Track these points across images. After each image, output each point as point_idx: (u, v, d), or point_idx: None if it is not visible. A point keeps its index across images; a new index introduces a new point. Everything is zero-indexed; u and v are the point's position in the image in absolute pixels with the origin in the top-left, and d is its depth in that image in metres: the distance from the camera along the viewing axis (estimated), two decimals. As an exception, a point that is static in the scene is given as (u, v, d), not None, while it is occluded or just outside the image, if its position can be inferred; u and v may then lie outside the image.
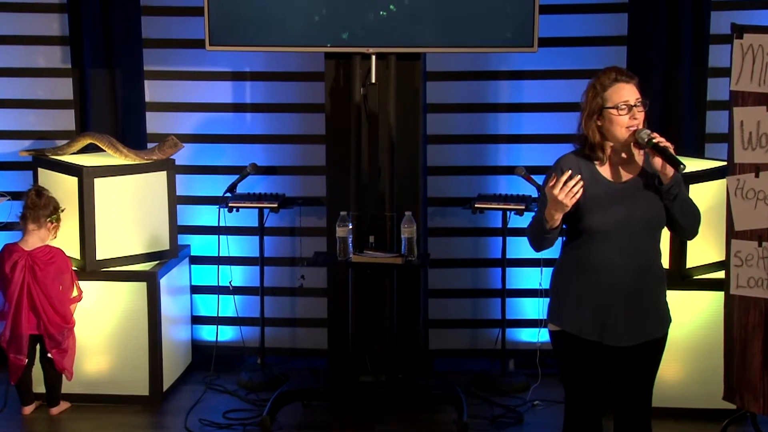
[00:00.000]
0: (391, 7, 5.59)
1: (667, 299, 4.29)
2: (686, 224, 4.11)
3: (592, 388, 4.22)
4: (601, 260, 4.09)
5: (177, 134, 6.09)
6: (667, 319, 4.25)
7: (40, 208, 5.64)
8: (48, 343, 5.62)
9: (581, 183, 3.98)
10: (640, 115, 4.06)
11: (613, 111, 4.03)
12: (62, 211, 5.72)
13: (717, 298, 5.41)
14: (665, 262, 5.43)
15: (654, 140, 3.99)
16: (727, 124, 5.21)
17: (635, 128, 4.04)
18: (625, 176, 4.12)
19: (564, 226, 4.17)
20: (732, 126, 5.13)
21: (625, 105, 4.03)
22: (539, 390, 6.02)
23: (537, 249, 4.22)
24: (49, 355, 5.65)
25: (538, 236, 4.14)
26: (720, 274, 5.44)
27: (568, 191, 3.95)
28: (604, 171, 4.12)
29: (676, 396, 5.59)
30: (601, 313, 4.12)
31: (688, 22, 6.00)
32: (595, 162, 4.14)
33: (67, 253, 5.73)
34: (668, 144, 3.99)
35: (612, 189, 4.10)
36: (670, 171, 4.00)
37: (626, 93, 4.03)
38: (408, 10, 5.60)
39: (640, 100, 4.04)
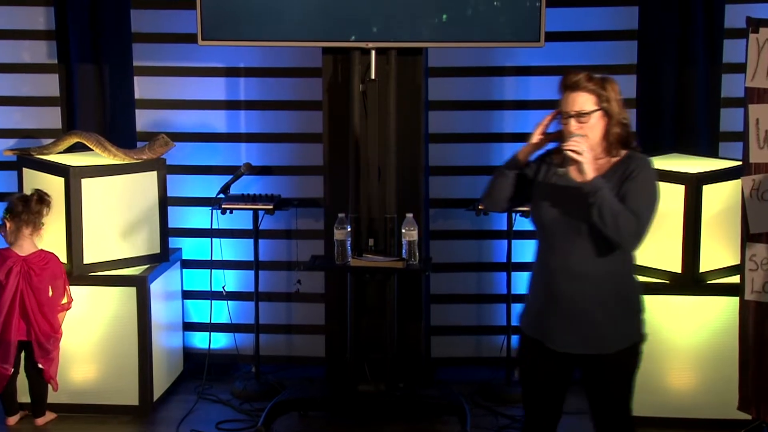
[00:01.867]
0: None
1: (639, 317, 4.28)
2: (609, 234, 4.07)
3: (543, 393, 4.33)
4: (546, 260, 4.22)
5: (168, 132, 6.10)
6: (625, 337, 4.22)
7: (42, 215, 5.66)
8: (37, 352, 5.62)
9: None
10: (589, 125, 4.13)
11: (562, 118, 4.21)
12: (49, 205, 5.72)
13: (731, 303, 5.42)
14: (675, 265, 5.47)
15: (564, 147, 4.10)
16: (742, 123, 5.22)
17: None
18: (588, 177, 4.14)
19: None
20: (747, 124, 5.14)
21: (565, 114, 4.16)
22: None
23: (485, 194, 4.37)
24: (39, 366, 5.65)
25: (495, 173, 4.33)
26: (735, 279, 5.44)
27: (545, 125, 4.24)
28: (573, 168, 4.18)
29: (688, 406, 5.60)
30: (543, 313, 4.24)
31: (701, 15, 6.00)
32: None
33: (53, 257, 5.75)
34: (575, 150, 4.05)
35: (566, 185, 4.18)
36: (586, 176, 4.06)
37: (568, 102, 4.16)
38: (409, 2, 5.60)
39: (577, 111, 4.13)
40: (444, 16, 5.60)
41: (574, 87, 4.15)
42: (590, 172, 4.05)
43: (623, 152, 4.20)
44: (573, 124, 4.13)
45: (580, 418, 5.05)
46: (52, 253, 5.68)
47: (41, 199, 5.69)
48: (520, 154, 4.28)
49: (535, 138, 4.26)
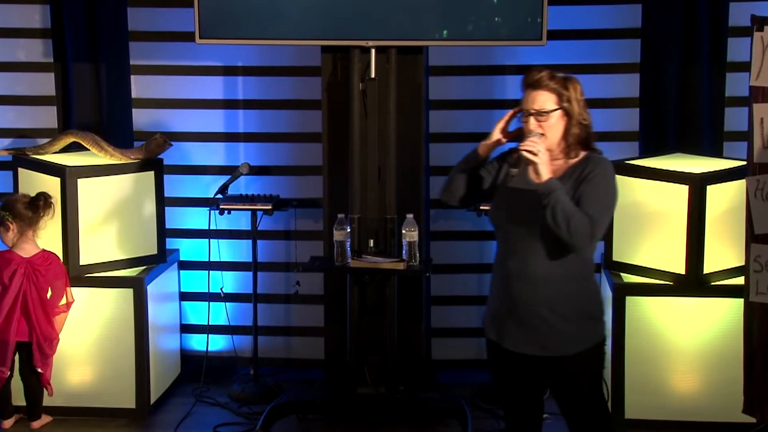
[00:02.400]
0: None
1: (599, 320, 4.27)
2: (561, 237, 4.05)
3: (515, 395, 4.35)
4: (503, 262, 4.23)
5: (165, 132, 6.10)
6: (583, 340, 4.21)
7: (46, 217, 5.65)
8: (36, 355, 5.61)
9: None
10: (549, 124, 4.14)
11: (522, 116, 4.22)
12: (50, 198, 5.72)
13: (736, 305, 5.41)
14: (679, 267, 5.47)
15: (520, 147, 4.11)
16: (746, 122, 5.21)
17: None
18: (543, 178, 4.13)
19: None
20: (752, 123, 5.14)
21: (525, 112, 4.18)
22: (549, 403, 6.00)
23: (444, 186, 4.38)
24: (39, 370, 5.64)
25: (457, 165, 4.35)
26: (739, 280, 5.44)
27: (506, 122, 4.28)
28: (532, 168, 4.17)
29: (692, 409, 5.60)
30: (500, 315, 4.26)
31: (705, 13, 6.00)
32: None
33: (49, 258, 5.74)
34: (531, 150, 4.05)
35: (520, 190, 4.19)
36: (541, 177, 4.06)
37: (529, 100, 4.18)
38: (409, 0, 5.60)
39: (536, 110, 4.14)
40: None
41: (535, 85, 4.16)
42: (545, 173, 4.05)
43: (582, 153, 4.20)
44: (532, 122, 4.14)
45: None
46: (54, 254, 5.68)
47: (47, 202, 5.66)
48: (480, 149, 4.31)
49: (495, 134, 4.29)
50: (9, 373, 5.64)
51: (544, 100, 4.14)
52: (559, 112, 4.14)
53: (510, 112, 4.28)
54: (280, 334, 6.56)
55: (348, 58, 5.74)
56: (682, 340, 5.56)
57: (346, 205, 5.77)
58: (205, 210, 6.23)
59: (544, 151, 4.07)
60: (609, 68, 6.23)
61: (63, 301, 5.69)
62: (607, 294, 5.79)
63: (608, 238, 5.77)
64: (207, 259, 6.26)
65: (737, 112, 6.06)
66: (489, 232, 6.32)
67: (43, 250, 5.65)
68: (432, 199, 6.25)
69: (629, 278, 5.67)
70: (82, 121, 6.29)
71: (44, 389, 5.71)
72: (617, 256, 5.75)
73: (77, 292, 5.78)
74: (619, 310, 5.56)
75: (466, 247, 6.41)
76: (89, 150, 6.01)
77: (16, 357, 5.69)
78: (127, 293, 5.82)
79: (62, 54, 6.31)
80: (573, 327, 4.17)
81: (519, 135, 4.22)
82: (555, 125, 4.15)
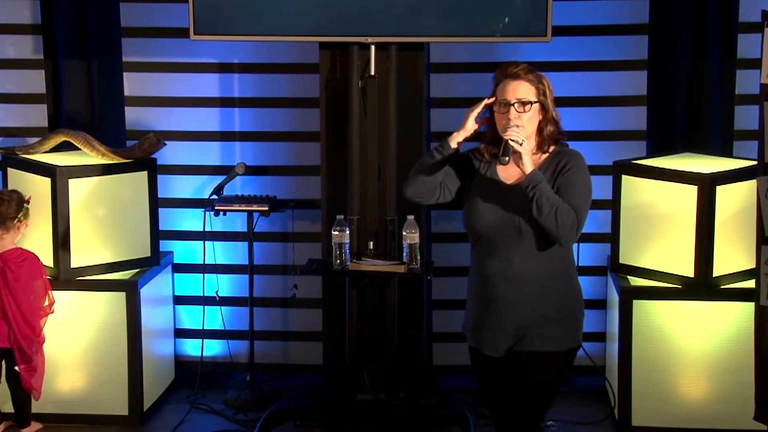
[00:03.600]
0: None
1: (578, 321, 4.31)
2: (547, 228, 4.11)
3: (500, 401, 4.34)
4: (483, 265, 4.25)
5: (158, 131, 6.09)
6: (559, 340, 4.23)
7: (8, 217, 5.59)
8: (17, 357, 5.60)
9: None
10: (527, 116, 4.18)
11: (496, 108, 4.24)
12: (28, 201, 5.65)
13: (746, 309, 5.41)
14: (688, 270, 5.47)
15: (505, 136, 4.13)
16: (757, 120, 5.21)
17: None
18: (518, 177, 4.20)
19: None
20: (763, 122, 5.13)
21: (504, 102, 4.19)
22: (554, 409, 6.01)
23: (408, 179, 4.36)
24: (16, 368, 5.62)
25: (423, 159, 4.34)
26: (750, 284, 5.44)
27: (478, 112, 4.26)
28: (502, 169, 4.23)
29: (701, 416, 5.60)
30: (481, 320, 4.28)
31: (714, 8, 6.00)
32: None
33: (39, 261, 5.73)
34: (516, 140, 4.09)
35: (498, 187, 4.23)
36: (525, 169, 4.11)
37: (509, 90, 4.21)
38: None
39: (519, 99, 4.18)
40: (446, 10, 5.60)
41: (515, 76, 4.22)
42: (529, 165, 4.11)
43: (552, 148, 4.27)
44: (512, 113, 4.18)
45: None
46: (31, 252, 5.63)
47: (20, 201, 5.60)
48: (452, 140, 4.29)
49: (470, 123, 4.28)
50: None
51: (526, 90, 4.21)
52: (537, 105, 4.22)
53: (484, 101, 4.28)
54: (277, 338, 6.56)
55: (347, 55, 5.74)
56: (691, 345, 5.56)
57: (345, 206, 5.77)
58: (199, 211, 6.23)
59: (527, 141, 4.13)
60: (616, 65, 6.23)
61: (45, 302, 5.67)
62: (614, 298, 5.80)
63: (615, 241, 5.77)
64: (202, 262, 6.26)
65: (748, 110, 6.06)
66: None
67: (18, 247, 5.61)
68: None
69: (636, 281, 5.67)
70: (73, 120, 6.29)
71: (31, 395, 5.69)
72: (624, 259, 5.75)
73: (68, 296, 5.78)
74: (627, 314, 5.55)
75: (469, 249, 6.39)
76: (80, 149, 6.01)
77: (2, 363, 5.67)
78: (120, 297, 5.82)
79: (53, 50, 6.31)
80: (554, 325, 4.22)
81: (493, 125, 4.25)
82: (532, 118, 4.22)
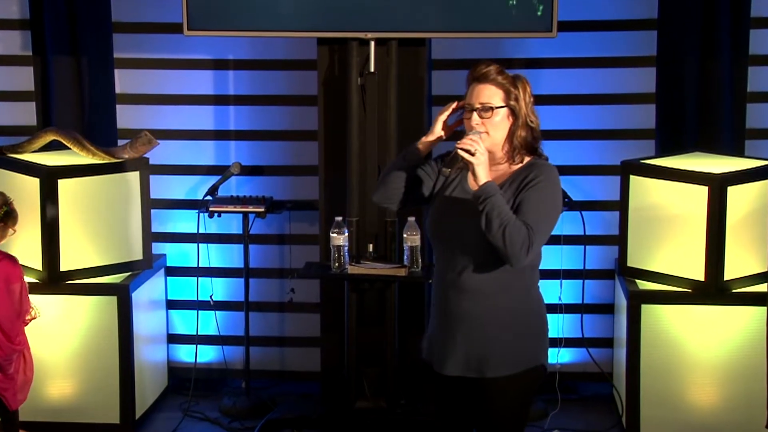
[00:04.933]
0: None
1: (538, 340, 4.18)
2: (495, 245, 3.94)
3: (453, 420, 4.26)
4: (440, 275, 4.17)
5: (151, 130, 6.09)
6: (516, 361, 4.10)
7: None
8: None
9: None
10: (494, 122, 4.06)
11: (465, 112, 4.14)
12: (11, 203, 5.60)
13: (758, 314, 5.41)
14: (698, 273, 5.47)
15: (457, 144, 4.01)
16: (769, 119, 5.22)
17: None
18: (480, 181, 4.03)
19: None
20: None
21: (469, 107, 4.10)
22: (559, 417, 6.02)
23: (377, 185, 4.27)
24: None
25: (392, 164, 4.25)
26: (762, 287, 5.45)
27: (447, 115, 4.16)
28: (469, 176, 4.10)
29: (712, 424, 5.60)
30: (435, 333, 4.20)
31: (725, 3, 6.00)
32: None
33: (28, 264, 5.72)
34: (468, 148, 3.96)
35: (457, 196, 4.15)
36: (478, 180, 3.97)
37: (473, 94, 4.10)
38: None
39: (482, 104, 4.07)
40: (448, 5, 5.60)
41: (481, 78, 4.09)
42: (483, 176, 3.96)
43: (527, 159, 4.13)
44: (475, 118, 4.06)
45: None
46: (7, 254, 5.52)
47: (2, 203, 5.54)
48: (420, 145, 4.19)
49: (438, 129, 4.18)
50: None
51: (491, 95, 4.07)
52: (505, 110, 4.07)
53: (452, 105, 4.18)
54: (274, 344, 6.56)
55: (346, 51, 5.74)
56: (701, 350, 5.56)
57: (344, 207, 5.78)
58: (193, 213, 6.23)
59: (484, 151, 3.98)
60: (623, 62, 6.23)
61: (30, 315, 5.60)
62: (622, 302, 5.80)
63: (623, 243, 5.77)
64: (196, 265, 6.26)
65: (760, 108, 6.07)
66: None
67: None
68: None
69: (645, 285, 5.68)
70: (62, 118, 6.29)
71: (21, 402, 5.66)
72: (632, 262, 5.75)
73: (58, 300, 5.78)
74: (635, 319, 5.56)
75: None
76: (70, 149, 6.01)
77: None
78: (111, 301, 5.82)
79: (41, 47, 6.31)
80: (508, 345, 4.08)
81: (461, 131, 4.15)
82: (500, 124, 4.07)
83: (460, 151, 3.97)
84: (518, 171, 4.09)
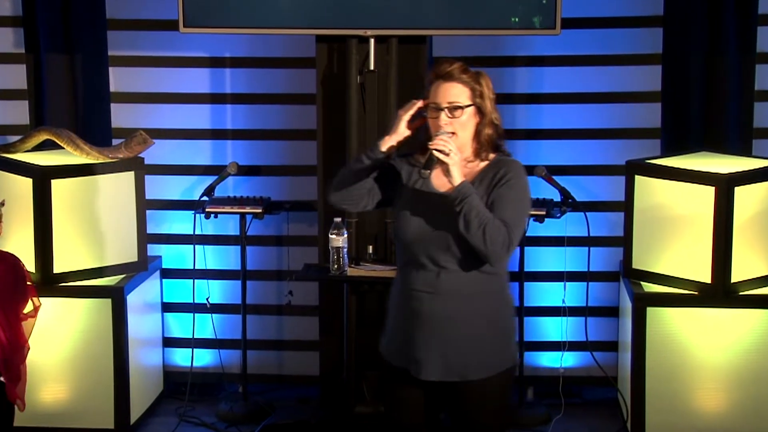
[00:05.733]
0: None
1: (511, 340, 4.23)
2: (475, 246, 3.99)
3: (412, 428, 4.27)
4: (409, 278, 4.16)
5: (146, 129, 6.08)
6: (494, 363, 4.14)
7: None
8: (0, 366, 5.57)
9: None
10: (461, 121, 4.08)
11: (428, 111, 4.14)
12: (2, 204, 5.60)
13: (766, 316, 5.42)
14: (705, 275, 5.46)
15: (431, 145, 4.02)
16: (777, 118, 5.22)
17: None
18: (455, 181, 4.06)
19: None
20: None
21: (435, 107, 4.10)
22: (562, 422, 6.02)
23: (334, 185, 4.25)
24: (1, 379, 5.60)
25: (351, 164, 4.24)
26: (770, 290, 5.45)
27: (411, 114, 4.13)
28: (436, 174, 4.11)
29: (719, 429, 5.60)
30: (407, 337, 4.18)
31: (732, 0, 6.00)
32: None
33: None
34: (442, 149, 3.98)
35: (428, 196, 4.15)
36: (454, 181, 4.00)
37: (440, 93, 4.10)
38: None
39: (450, 103, 4.08)
40: (449, 2, 5.60)
41: (447, 77, 4.10)
42: (458, 176, 3.99)
43: (492, 156, 4.15)
44: (443, 118, 4.08)
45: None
46: (11, 254, 5.54)
47: None
48: (382, 144, 4.16)
49: (402, 128, 4.15)
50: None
51: (458, 93, 4.09)
52: (471, 108, 4.10)
53: (417, 103, 4.16)
54: (271, 348, 6.56)
55: (345, 49, 5.74)
56: (708, 354, 5.55)
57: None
58: (189, 213, 6.23)
59: (456, 151, 4.01)
60: (628, 59, 6.23)
61: (30, 307, 5.63)
62: (627, 304, 5.80)
63: (628, 244, 5.77)
64: (192, 267, 6.26)
65: (767, 107, 6.06)
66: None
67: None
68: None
69: (650, 288, 5.67)
70: (56, 117, 6.28)
71: (14, 406, 5.67)
72: (637, 264, 5.75)
73: (51, 303, 5.76)
74: (640, 323, 5.55)
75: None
76: (64, 148, 6.00)
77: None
78: (105, 304, 5.82)
79: (35, 44, 6.31)
80: (484, 347, 4.12)
81: (426, 128, 4.14)
82: (467, 123, 4.10)
83: (435, 152, 3.99)
84: (486, 169, 4.13)
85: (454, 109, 4.07)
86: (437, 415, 4.27)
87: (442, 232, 4.06)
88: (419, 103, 4.15)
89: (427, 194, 4.15)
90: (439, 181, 4.10)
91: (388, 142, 4.16)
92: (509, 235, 3.98)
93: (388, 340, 4.28)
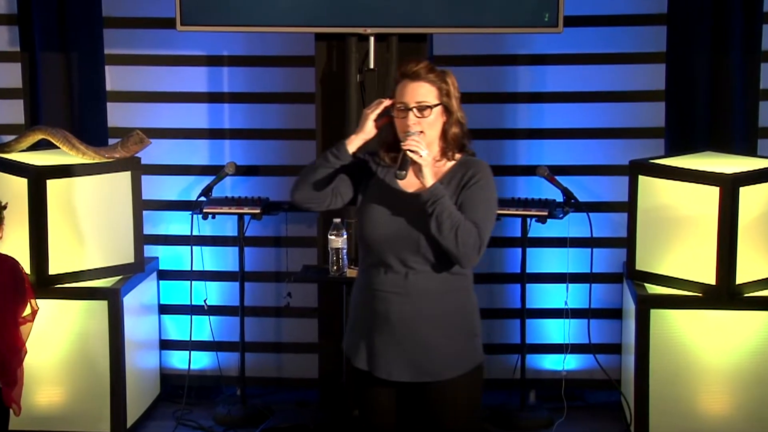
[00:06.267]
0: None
1: (478, 338, 4.24)
2: (447, 247, 4.02)
3: (383, 429, 4.28)
4: (375, 278, 4.17)
5: (143, 128, 6.09)
6: (464, 361, 4.17)
7: None
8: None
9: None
10: (429, 120, 4.09)
11: (395, 111, 4.15)
12: (5, 207, 5.61)
13: (772, 319, 5.42)
14: (709, 276, 5.46)
15: (404, 146, 4.04)
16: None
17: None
18: (419, 185, 4.09)
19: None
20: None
21: (403, 106, 4.11)
22: (565, 426, 6.02)
23: (297, 185, 4.26)
24: None
25: (315, 163, 4.25)
26: (775, 292, 5.45)
27: (377, 113, 4.14)
28: (413, 170, 4.10)
29: (723, 433, 5.60)
30: (372, 338, 4.19)
31: (738, -3, 6.02)
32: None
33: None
34: (416, 149, 4.00)
35: (396, 196, 4.16)
36: (426, 182, 4.03)
37: (407, 93, 4.11)
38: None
39: (419, 102, 4.09)
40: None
41: (414, 76, 4.11)
42: (430, 177, 4.02)
43: (458, 156, 4.19)
44: (411, 118, 4.09)
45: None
46: (11, 257, 5.55)
47: None
48: (348, 143, 4.17)
49: (370, 127, 4.16)
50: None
51: (425, 93, 4.10)
52: (439, 108, 4.12)
53: (383, 102, 4.17)
54: (270, 350, 6.55)
55: (344, 47, 5.74)
56: (713, 357, 5.55)
57: (342, 208, 5.75)
58: (187, 214, 6.23)
59: (428, 152, 4.05)
60: (632, 58, 6.22)
61: (27, 311, 5.63)
62: (630, 306, 5.79)
63: (631, 246, 5.76)
64: (189, 268, 6.25)
65: (773, 106, 6.08)
66: (499, 239, 6.33)
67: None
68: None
69: (654, 289, 5.67)
70: (51, 116, 6.28)
71: (9, 410, 5.67)
72: (641, 265, 5.74)
73: (46, 305, 5.75)
74: (643, 325, 5.55)
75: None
76: (59, 148, 6.00)
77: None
78: (101, 306, 5.82)
79: (30, 42, 6.30)
80: (454, 346, 4.15)
81: (393, 127, 4.16)
82: (434, 122, 4.12)
83: (408, 152, 4.01)
84: (454, 169, 4.17)
85: (422, 108, 4.09)
86: (408, 415, 4.27)
87: (411, 232, 4.09)
88: (386, 102, 4.17)
89: (394, 194, 4.17)
90: (405, 182, 4.12)
91: (354, 142, 4.18)
92: (480, 237, 4.05)
93: (352, 342, 4.28)
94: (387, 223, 4.14)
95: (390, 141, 4.20)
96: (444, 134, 4.14)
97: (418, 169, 4.02)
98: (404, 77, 4.13)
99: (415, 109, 4.09)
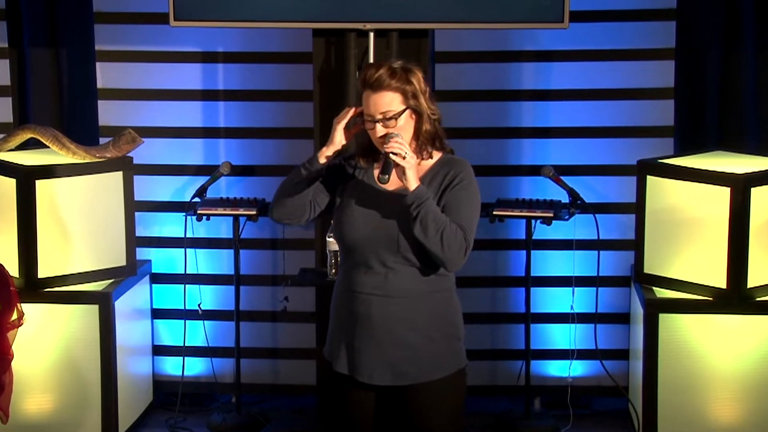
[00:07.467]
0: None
1: (460, 341, 4.28)
2: (432, 250, 4.05)
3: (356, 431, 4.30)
4: (355, 281, 4.19)
5: (135, 127, 6.09)
6: (446, 364, 4.20)
7: None
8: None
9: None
10: (399, 125, 4.11)
11: (364, 121, 4.17)
12: None
13: (784, 324, 5.43)
14: (720, 280, 5.47)
15: (387, 149, 4.06)
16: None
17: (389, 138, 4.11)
18: (399, 184, 4.11)
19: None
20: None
21: (369, 118, 4.13)
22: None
23: (275, 202, 4.29)
24: None
25: (289, 178, 4.27)
26: (788, 296, 5.46)
27: (345, 123, 4.16)
28: (397, 173, 4.11)
29: (734, 441, 5.61)
30: (350, 342, 4.21)
31: (749, -8, 6.02)
32: (375, 164, 4.23)
33: (3, 270, 5.72)
34: (398, 152, 4.02)
35: (375, 195, 4.19)
36: (410, 185, 4.04)
37: (371, 104, 4.12)
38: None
39: (383, 113, 4.10)
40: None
41: (376, 86, 4.11)
42: (414, 180, 4.04)
43: (437, 155, 4.21)
44: (379, 129, 4.11)
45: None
46: None
47: None
48: (320, 155, 4.20)
49: (339, 137, 4.18)
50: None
51: (389, 101, 4.11)
52: (407, 112, 4.12)
53: (351, 111, 4.18)
54: (266, 356, 6.56)
55: (343, 43, 5.75)
56: (723, 362, 5.56)
57: (341, 209, 5.77)
58: (180, 215, 6.23)
59: (412, 154, 4.07)
60: (640, 54, 6.23)
61: (14, 316, 5.64)
62: (638, 311, 5.79)
63: (639, 248, 5.76)
64: (183, 272, 6.26)
65: (786, 104, 6.08)
66: (503, 241, 6.34)
67: None
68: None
69: (663, 293, 5.67)
70: (40, 115, 6.29)
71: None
72: (649, 268, 5.75)
73: (35, 309, 5.76)
74: (652, 329, 5.55)
75: (478, 257, 6.39)
76: (49, 147, 6.00)
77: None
78: (92, 310, 5.82)
79: (18, 38, 6.31)
80: (437, 349, 4.18)
81: (362, 134, 4.19)
82: (405, 126, 4.13)
83: (392, 156, 4.03)
84: (434, 168, 4.20)
85: (388, 119, 4.11)
86: (387, 419, 4.29)
87: (390, 232, 4.12)
88: (352, 111, 4.18)
89: (372, 194, 4.20)
90: (391, 183, 4.12)
91: (325, 153, 4.20)
92: (465, 239, 4.07)
93: (333, 346, 4.29)
94: (365, 222, 4.16)
95: (365, 145, 4.23)
96: (416, 133, 4.16)
97: (402, 172, 4.04)
98: (365, 87, 4.13)
99: (381, 121, 4.10)
